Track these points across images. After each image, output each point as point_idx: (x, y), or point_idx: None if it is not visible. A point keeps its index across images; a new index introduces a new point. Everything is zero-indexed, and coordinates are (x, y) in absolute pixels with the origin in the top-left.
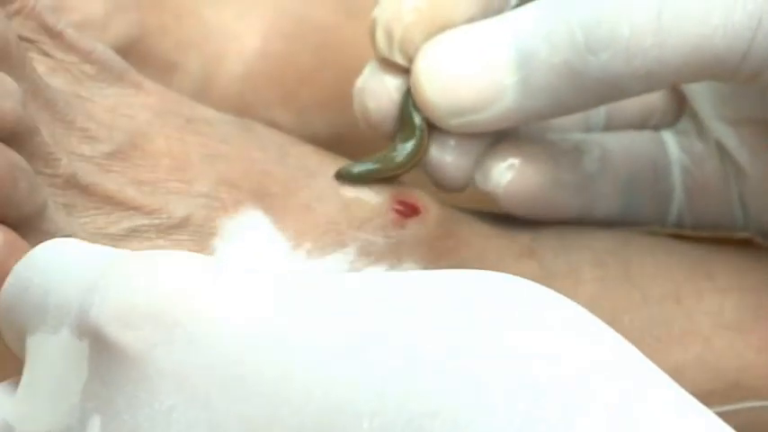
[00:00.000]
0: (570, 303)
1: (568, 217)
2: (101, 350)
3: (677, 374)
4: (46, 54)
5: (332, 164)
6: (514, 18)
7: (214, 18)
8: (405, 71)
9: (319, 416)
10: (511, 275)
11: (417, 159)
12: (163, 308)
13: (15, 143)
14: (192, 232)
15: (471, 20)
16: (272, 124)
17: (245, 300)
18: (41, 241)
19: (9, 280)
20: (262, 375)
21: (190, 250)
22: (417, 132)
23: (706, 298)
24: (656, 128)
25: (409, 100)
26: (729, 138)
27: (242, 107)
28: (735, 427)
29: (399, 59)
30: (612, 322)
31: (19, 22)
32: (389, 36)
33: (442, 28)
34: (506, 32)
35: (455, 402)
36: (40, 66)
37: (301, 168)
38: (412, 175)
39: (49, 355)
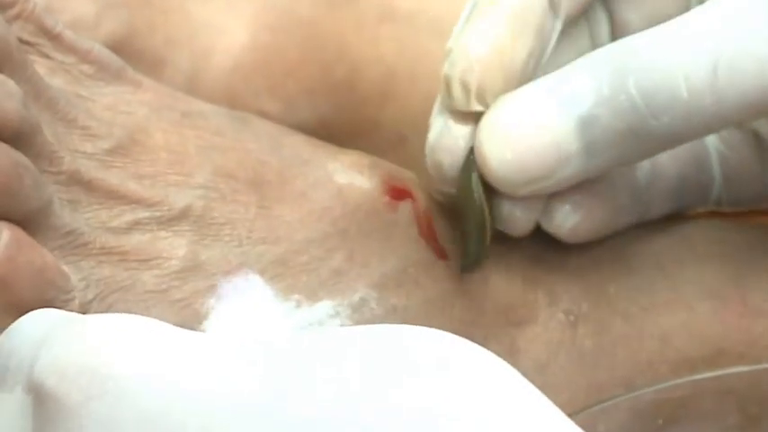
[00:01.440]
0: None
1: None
2: (42, 403)
3: (664, 343)
4: (46, 56)
5: (323, 152)
6: (571, 86)
7: (201, 14)
8: (477, 120)
9: None
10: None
11: (485, 233)
12: (98, 362)
13: (19, 143)
14: (192, 222)
15: (531, 55)
16: (261, 114)
17: (177, 356)
18: (47, 237)
19: None
20: (186, 428)
21: (191, 240)
22: (480, 212)
23: (687, 266)
24: None
25: (471, 173)
26: (763, 125)
27: (231, 99)
28: (719, 393)
29: (477, 107)
30: (599, 293)
31: (19, 26)
32: (466, 88)
33: (510, 69)
34: (566, 101)
35: None
36: (41, 67)
37: (295, 157)
38: (400, 159)
39: (5, 414)
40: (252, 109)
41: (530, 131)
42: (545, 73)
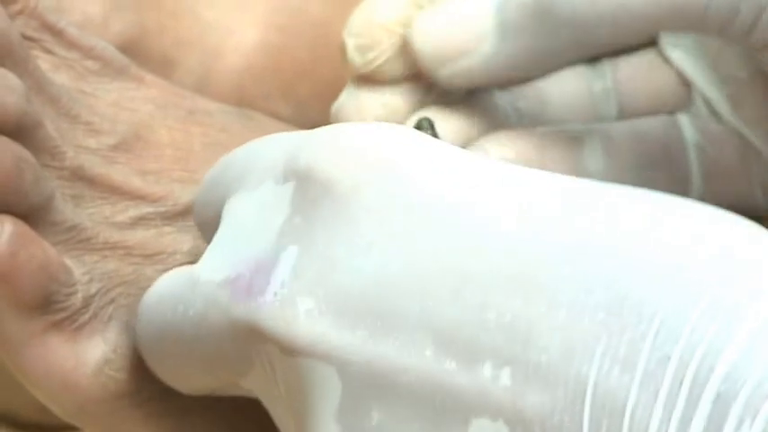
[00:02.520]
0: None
1: None
2: (307, 188)
3: None
4: (49, 52)
5: None
6: None
7: (210, 14)
8: (383, 85)
9: (520, 269)
10: None
11: None
12: (373, 150)
13: (21, 137)
14: None
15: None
16: (272, 115)
17: (450, 147)
18: (50, 231)
19: (211, 169)
20: (462, 217)
21: (196, 236)
22: None
23: None
24: (671, 113)
25: None
26: (745, 120)
27: (242, 100)
28: None
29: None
30: None
31: (22, 22)
32: (363, 51)
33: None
34: None
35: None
36: (44, 63)
37: None
38: None
39: (244, 208)
40: (263, 110)
41: (452, 13)
42: None
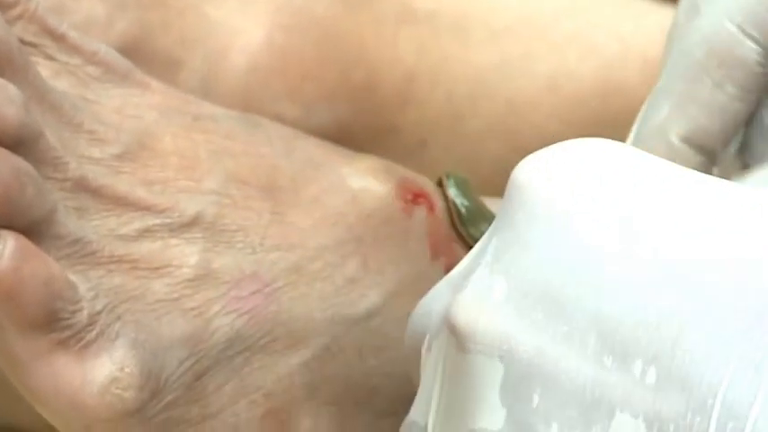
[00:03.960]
0: None
1: None
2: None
3: None
4: (50, 57)
5: (337, 156)
6: None
7: (215, 13)
8: None
9: (681, 272)
10: None
11: None
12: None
13: (21, 149)
14: (204, 229)
15: None
16: (279, 117)
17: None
18: (53, 246)
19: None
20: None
21: (203, 247)
22: None
23: None
24: None
25: None
26: None
27: (248, 101)
28: None
29: None
30: None
31: (21, 27)
32: None
33: None
34: None
35: None
36: (45, 70)
37: (308, 161)
38: (420, 164)
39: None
40: (270, 112)
41: None
42: None
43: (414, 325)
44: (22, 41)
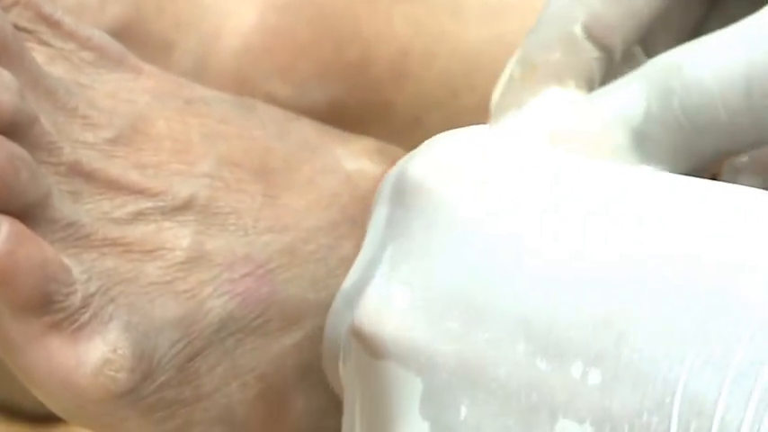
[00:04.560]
0: None
1: None
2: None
3: None
4: (45, 43)
5: (331, 137)
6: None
7: None
8: None
9: (620, 271)
10: None
11: None
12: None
13: (15, 134)
14: (197, 212)
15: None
16: (271, 97)
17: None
18: (47, 229)
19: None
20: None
21: (195, 230)
22: None
23: None
24: None
25: None
26: None
27: (241, 82)
28: None
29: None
30: None
31: (16, 13)
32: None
33: None
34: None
35: None
36: (39, 55)
37: (302, 143)
38: (416, 142)
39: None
40: (262, 92)
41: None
42: None
43: (328, 343)
44: (17, 27)
